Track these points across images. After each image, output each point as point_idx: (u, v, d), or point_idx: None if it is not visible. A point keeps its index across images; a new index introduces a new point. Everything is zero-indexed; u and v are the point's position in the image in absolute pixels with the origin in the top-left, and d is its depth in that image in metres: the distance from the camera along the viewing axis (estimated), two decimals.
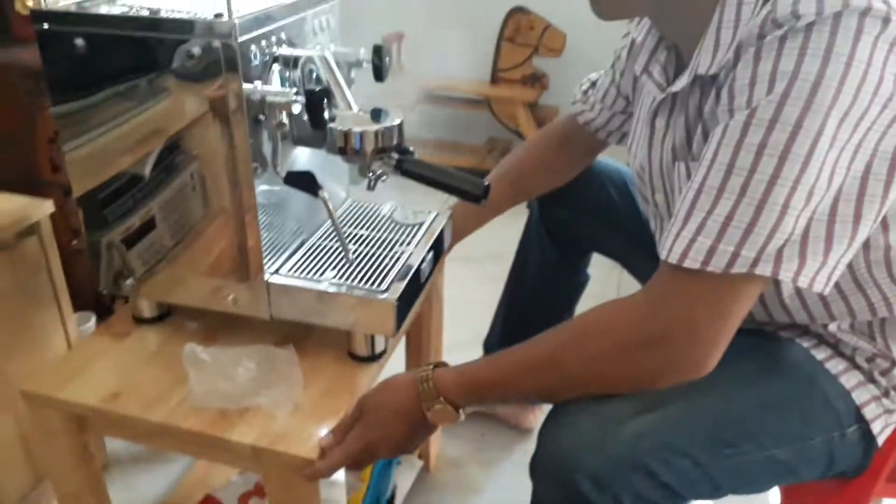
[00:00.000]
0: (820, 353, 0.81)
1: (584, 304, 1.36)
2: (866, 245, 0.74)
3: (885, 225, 0.73)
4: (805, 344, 0.82)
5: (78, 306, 1.38)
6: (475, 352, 1.46)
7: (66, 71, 0.84)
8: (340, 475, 0.97)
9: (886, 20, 0.60)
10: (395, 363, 1.24)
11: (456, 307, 1.35)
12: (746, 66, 0.65)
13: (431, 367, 0.81)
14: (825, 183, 0.63)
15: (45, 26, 0.82)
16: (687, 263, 0.65)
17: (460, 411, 0.79)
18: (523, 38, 2.46)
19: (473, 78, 2.64)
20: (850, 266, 0.75)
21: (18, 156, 1.38)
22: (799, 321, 0.82)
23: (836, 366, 0.80)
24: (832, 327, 0.81)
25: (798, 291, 0.79)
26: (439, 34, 2.72)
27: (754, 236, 0.63)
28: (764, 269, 0.64)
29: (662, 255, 0.68)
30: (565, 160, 1.20)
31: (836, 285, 0.76)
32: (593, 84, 1.16)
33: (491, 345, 1.45)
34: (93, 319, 1.45)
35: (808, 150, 0.61)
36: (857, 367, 0.80)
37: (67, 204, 1.41)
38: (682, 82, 0.79)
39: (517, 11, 2.45)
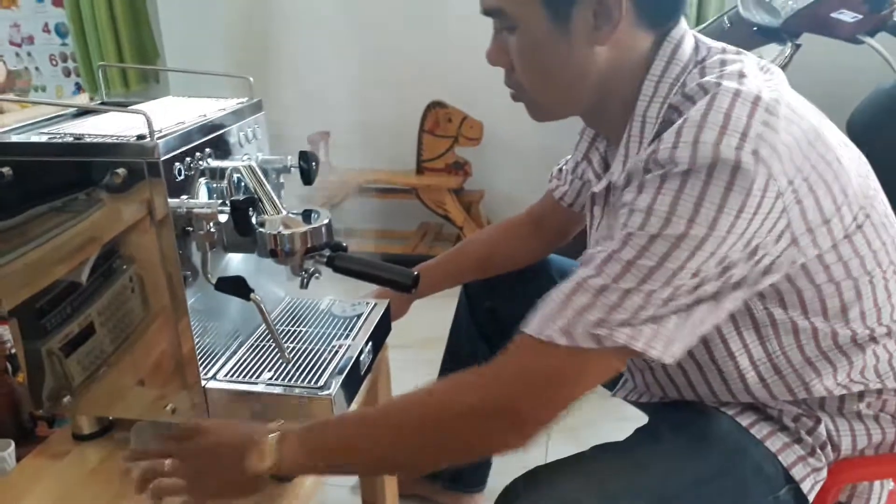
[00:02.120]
0: (745, 419, 0.84)
1: None
2: (778, 330, 0.79)
3: (802, 309, 0.77)
4: (731, 411, 0.85)
5: None
6: None
7: None
8: None
9: (754, 176, 0.65)
10: None
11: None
12: (630, 194, 0.71)
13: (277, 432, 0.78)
14: (682, 299, 0.68)
15: None
16: (541, 336, 0.70)
17: (275, 471, 0.76)
18: (443, 129, 2.58)
19: (400, 169, 2.73)
20: (766, 353, 0.80)
21: None
22: (724, 400, 0.86)
23: (761, 430, 0.83)
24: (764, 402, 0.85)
25: (723, 378, 0.84)
26: (363, 130, 2.83)
27: (604, 326, 0.68)
28: (619, 338, 0.68)
29: (521, 327, 0.72)
30: (540, 237, 1.23)
31: (756, 372, 0.82)
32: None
33: None
34: (12, 446, 1.39)
35: (667, 279, 0.67)
36: (784, 427, 0.84)
37: None
38: (600, 185, 0.86)
39: (435, 106, 2.58)
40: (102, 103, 1.07)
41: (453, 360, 1.36)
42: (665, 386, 0.91)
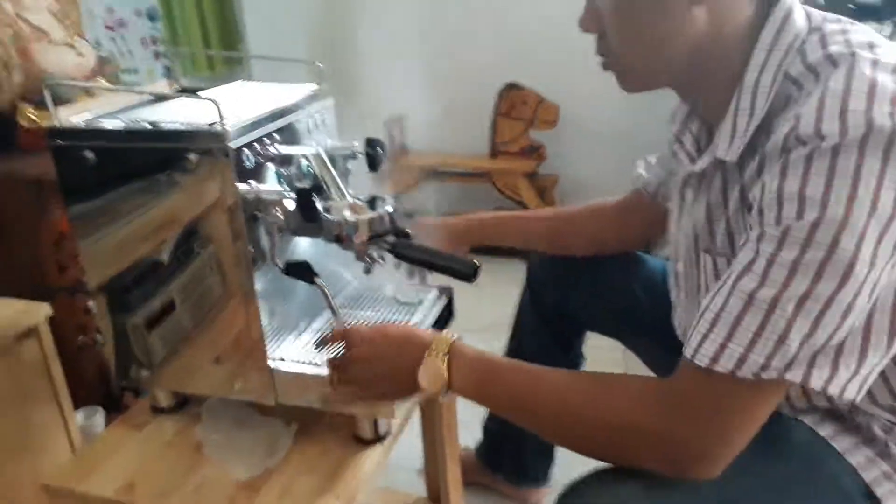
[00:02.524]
0: (824, 430, 0.79)
1: None
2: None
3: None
4: (808, 420, 0.80)
5: (86, 401, 1.42)
6: (478, 429, 1.47)
7: (79, 179, 0.90)
8: None
9: None
10: (412, 444, 1.27)
11: None
12: (773, 180, 0.65)
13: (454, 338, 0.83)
14: (864, 300, 0.63)
15: (59, 142, 0.88)
16: (717, 368, 0.66)
17: (446, 389, 0.80)
18: (518, 112, 2.55)
19: (473, 153, 2.73)
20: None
21: (24, 260, 1.44)
22: (814, 402, 0.81)
23: (842, 442, 0.78)
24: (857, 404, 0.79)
25: None
26: (438, 114, 2.83)
27: (785, 347, 0.64)
28: (794, 376, 0.64)
29: (688, 353, 0.69)
30: (620, 229, 1.18)
31: None
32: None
33: (491, 426, 1.45)
34: (99, 413, 1.48)
35: (844, 272, 0.62)
36: (871, 439, 0.78)
37: (74, 303, 1.47)
38: (702, 163, 0.81)
39: (511, 88, 2.55)
40: (182, 89, 1.11)
41: (516, 356, 1.35)
42: None
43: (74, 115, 0.93)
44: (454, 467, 1.29)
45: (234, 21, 3.08)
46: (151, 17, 3.24)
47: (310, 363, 0.94)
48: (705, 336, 0.67)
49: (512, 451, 1.42)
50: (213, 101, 0.83)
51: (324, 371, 0.92)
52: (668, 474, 0.71)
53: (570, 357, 1.34)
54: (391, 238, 0.95)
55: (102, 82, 1.58)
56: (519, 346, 1.34)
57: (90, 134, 0.87)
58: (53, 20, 1.55)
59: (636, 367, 1.21)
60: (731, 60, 0.75)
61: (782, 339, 0.64)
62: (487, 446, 1.47)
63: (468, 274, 0.92)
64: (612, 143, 2.55)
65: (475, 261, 0.92)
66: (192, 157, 0.83)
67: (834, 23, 0.73)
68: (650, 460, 0.72)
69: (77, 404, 1.44)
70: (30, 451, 1.16)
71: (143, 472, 0.92)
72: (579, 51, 0.83)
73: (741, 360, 0.65)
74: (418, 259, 0.94)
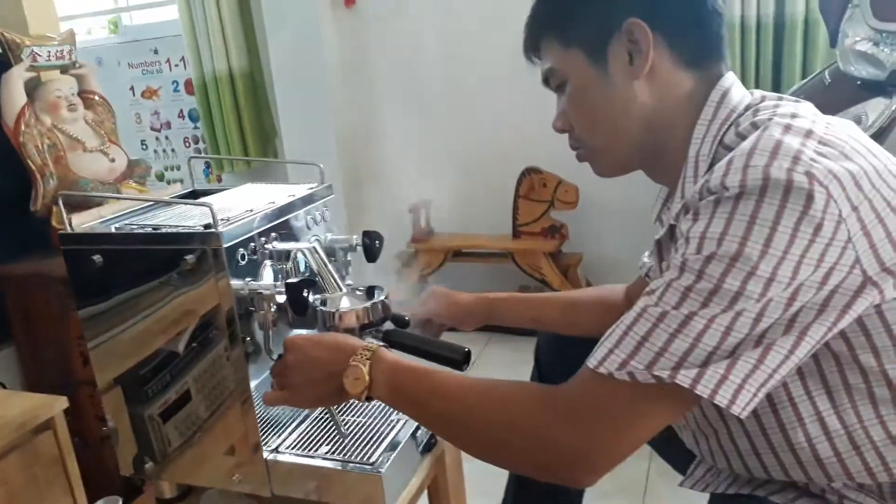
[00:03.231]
0: None
1: None
2: (853, 398, 0.73)
3: (865, 377, 0.72)
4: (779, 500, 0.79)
5: (106, 491, 1.44)
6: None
7: (88, 280, 0.96)
8: None
9: (809, 195, 0.63)
10: None
11: (486, 469, 1.35)
12: (685, 224, 0.71)
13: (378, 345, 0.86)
14: (745, 328, 0.65)
15: (70, 246, 0.95)
16: (600, 370, 0.68)
17: (367, 392, 0.82)
18: (538, 194, 2.60)
19: (497, 234, 2.77)
20: (843, 425, 0.74)
21: (50, 354, 1.51)
22: (796, 479, 0.79)
23: None
24: (836, 484, 0.78)
25: (791, 447, 0.77)
26: (462, 198, 2.90)
27: (664, 358, 0.65)
28: (681, 379, 0.65)
29: (587, 360, 0.71)
30: (625, 307, 1.20)
31: (831, 444, 0.75)
32: None
33: None
34: (119, 502, 1.50)
35: (728, 303, 0.64)
36: None
37: (97, 394, 1.52)
38: (662, 230, 0.87)
39: (530, 172, 2.61)
40: (192, 192, 1.18)
41: None
42: (729, 454, 0.85)
43: (88, 221, 1.01)
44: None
45: (270, 118, 3.25)
46: (193, 118, 3.45)
47: (303, 454, 0.96)
48: (601, 344, 0.70)
49: None
50: (208, 205, 0.88)
51: (320, 462, 0.94)
52: (546, 478, 0.73)
53: None
54: (384, 327, 0.98)
55: (132, 184, 1.68)
56: None
57: (96, 238, 0.94)
58: (88, 129, 1.68)
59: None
60: (678, 133, 0.81)
61: (663, 350, 0.66)
62: None
63: (459, 361, 0.93)
64: (634, 220, 2.55)
65: (467, 348, 0.94)
66: (189, 257, 0.89)
67: (772, 100, 0.78)
68: (529, 462, 0.73)
69: (98, 495, 1.47)
70: None
71: None
72: None
73: (622, 365, 0.67)
74: (410, 346, 0.96)
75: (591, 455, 0.69)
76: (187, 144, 3.50)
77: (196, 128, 3.46)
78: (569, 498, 1.36)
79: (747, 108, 0.77)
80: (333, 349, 0.86)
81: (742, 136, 0.73)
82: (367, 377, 0.81)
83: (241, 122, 3.20)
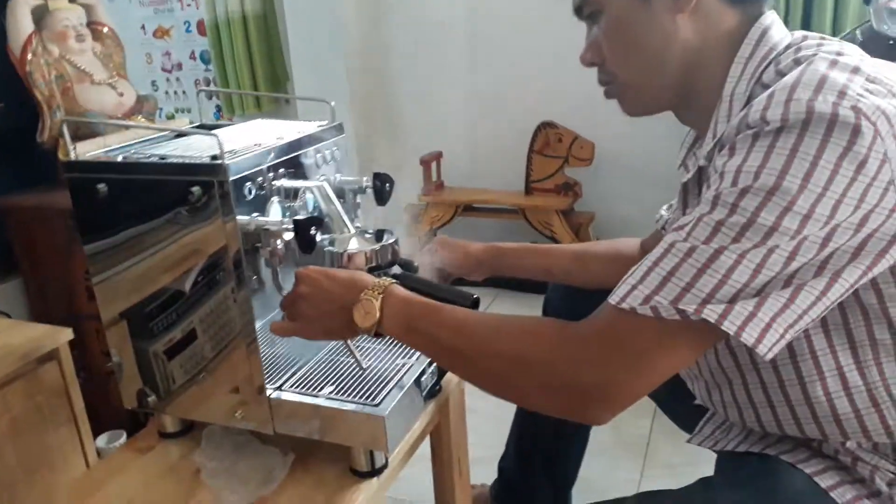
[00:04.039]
0: (825, 480, 0.76)
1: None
2: (878, 354, 0.71)
3: (893, 332, 0.70)
4: (809, 470, 0.77)
5: (110, 425, 1.45)
6: (493, 468, 1.45)
7: (93, 211, 0.94)
8: None
9: (856, 130, 0.61)
10: (424, 480, 1.26)
11: (492, 421, 1.35)
12: (720, 160, 0.68)
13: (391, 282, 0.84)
14: (777, 266, 0.62)
15: (75, 175, 0.93)
16: (622, 305, 0.66)
17: (377, 328, 0.81)
18: (553, 149, 2.56)
19: (509, 189, 2.73)
20: (864, 381, 0.73)
21: (56, 288, 1.50)
22: (810, 435, 0.78)
23: (843, 494, 0.74)
24: (850, 444, 0.76)
25: (808, 402, 0.76)
26: (474, 151, 2.86)
27: (690, 294, 0.63)
28: (709, 315, 0.62)
29: (609, 297, 0.68)
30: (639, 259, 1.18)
31: (850, 400, 0.73)
32: None
33: (506, 466, 1.43)
34: (123, 437, 1.51)
35: (761, 238, 0.62)
36: (873, 493, 0.75)
37: (103, 329, 1.52)
38: (691, 173, 0.84)
39: (545, 126, 2.56)
40: (200, 125, 1.15)
41: None
42: (743, 407, 0.83)
43: (93, 150, 0.98)
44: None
45: (282, 63, 3.19)
46: (204, 60, 3.39)
47: (309, 393, 0.95)
48: (624, 281, 0.67)
49: (527, 491, 1.39)
50: (215, 135, 0.86)
51: (323, 402, 0.93)
52: (559, 414, 0.71)
53: None
54: (393, 270, 0.96)
55: (140, 120, 1.65)
56: None
57: (101, 167, 0.92)
58: (97, 62, 1.64)
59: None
60: (715, 73, 0.77)
61: (689, 286, 0.63)
62: (502, 485, 1.44)
63: (467, 307, 0.91)
64: (650, 180, 2.51)
65: (476, 294, 0.92)
66: (196, 189, 0.86)
67: (815, 39, 0.75)
68: (543, 397, 0.71)
69: (103, 428, 1.49)
70: (46, 471, 1.20)
71: (143, 495, 0.94)
72: None
73: (645, 300, 0.64)
74: (419, 291, 0.94)
75: (609, 390, 0.67)
76: (198, 86, 3.45)
77: (207, 70, 3.40)
78: (570, 451, 1.36)
79: (788, 47, 0.74)
80: (346, 283, 0.84)
81: (782, 74, 0.69)
82: (377, 312, 0.80)
83: (252, 65, 3.14)
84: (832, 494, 0.74)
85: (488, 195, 2.75)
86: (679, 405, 1.03)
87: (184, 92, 3.50)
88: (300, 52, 3.08)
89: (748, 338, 0.62)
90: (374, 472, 0.95)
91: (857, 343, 0.72)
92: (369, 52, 3.01)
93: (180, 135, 1.08)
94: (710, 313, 0.62)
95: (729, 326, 0.62)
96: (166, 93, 3.52)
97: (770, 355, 0.63)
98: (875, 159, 0.61)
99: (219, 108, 3.45)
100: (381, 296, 0.81)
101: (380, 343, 1.08)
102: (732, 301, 0.62)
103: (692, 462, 0.80)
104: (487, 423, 1.37)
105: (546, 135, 2.56)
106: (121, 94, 1.64)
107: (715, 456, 0.92)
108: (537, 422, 1.35)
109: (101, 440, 1.54)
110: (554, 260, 1.19)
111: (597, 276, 1.13)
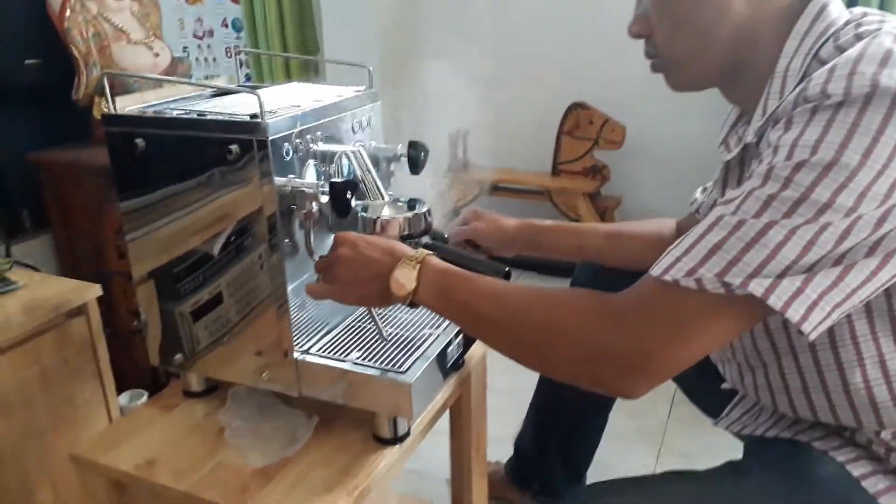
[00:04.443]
0: (857, 469, 0.75)
1: (617, 405, 1.33)
2: None
3: None
4: (840, 458, 0.76)
5: (133, 385, 1.47)
6: (510, 446, 1.45)
7: (129, 165, 0.94)
8: None
9: None
10: (443, 454, 1.26)
11: (509, 398, 1.35)
12: (775, 133, 0.66)
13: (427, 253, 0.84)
14: (829, 244, 0.60)
15: (113, 129, 0.93)
16: (665, 277, 0.65)
17: (412, 297, 0.81)
18: (583, 131, 2.53)
19: (535, 170, 2.71)
20: None
21: (87, 245, 1.51)
22: (845, 423, 0.77)
23: (875, 484, 0.74)
24: (885, 434, 0.75)
25: (845, 388, 0.75)
26: (502, 130, 2.83)
27: (737, 267, 0.62)
28: (754, 288, 0.61)
29: (651, 269, 0.67)
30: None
31: (889, 389, 0.72)
32: None
33: (522, 444, 1.43)
34: (145, 397, 1.53)
35: (814, 214, 0.60)
36: None
37: (131, 289, 1.53)
38: (735, 150, 0.82)
39: (577, 107, 2.53)
40: (239, 86, 1.15)
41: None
42: (777, 392, 0.82)
43: (132, 105, 0.98)
44: (480, 480, 1.27)
45: (313, 34, 3.18)
46: (236, 28, 3.39)
47: (336, 358, 0.95)
48: (668, 253, 0.66)
49: (541, 471, 1.40)
50: (255, 94, 0.85)
51: (350, 367, 0.93)
52: (593, 386, 0.70)
53: None
54: (424, 240, 0.96)
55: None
56: None
57: (140, 121, 0.92)
58: (134, 21, 1.64)
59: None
60: (768, 49, 0.75)
61: (736, 259, 0.62)
62: (517, 464, 1.44)
63: (500, 278, 0.91)
64: (679, 168, 2.48)
65: (507, 267, 0.92)
66: (234, 147, 0.86)
67: (876, 16, 0.72)
68: (578, 368, 0.70)
69: (124, 387, 1.50)
70: (69, 425, 1.21)
71: (166, 451, 0.95)
72: (649, 72, 0.84)
73: (689, 272, 0.63)
74: (450, 262, 0.94)
75: (646, 362, 0.66)
76: (228, 55, 3.45)
77: (238, 38, 3.40)
78: (588, 434, 1.36)
79: (847, 23, 0.71)
80: (385, 251, 0.84)
81: (842, 49, 0.67)
82: (414, 281, 0.80)
83: (284, 34, 3.14)
84: (863, 484, 0.73)
85: (514, 175, 2.73)
86: (705, 389, 1.02)
87: (214, 59, 3.50)
88: (332, 22, 3.06)
89: (794, 314, 0.61)
90: (397, 439, 0.95)
91: None
92: (401, 26, 2.99)
93: (219, 94, 1.08)
94: (757, 287, 0.61)
95: (775, 301, 0.61)
96: (196, 59, 3.52)
97: (814, 335, 0.62)
98: None
99: (248, 77, 3.46)
100: (419, 266, 0.81)
101: (407, 312, 1.08)
102: (780, 277, 0.61)
103: (708, 451, 0.79)
104: (505, 402, 1.37)
105: (577, 116, 2.53)
106: (156, 55, 1.64)
107: (732, 447, 0.91)
108: (556, 402, 1.34)
109: (123, 398, 1.56)
110: (587, 238, 1.17)
111: (631, 255, 1.11)
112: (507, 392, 1.39)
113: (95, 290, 1.23)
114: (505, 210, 3.01)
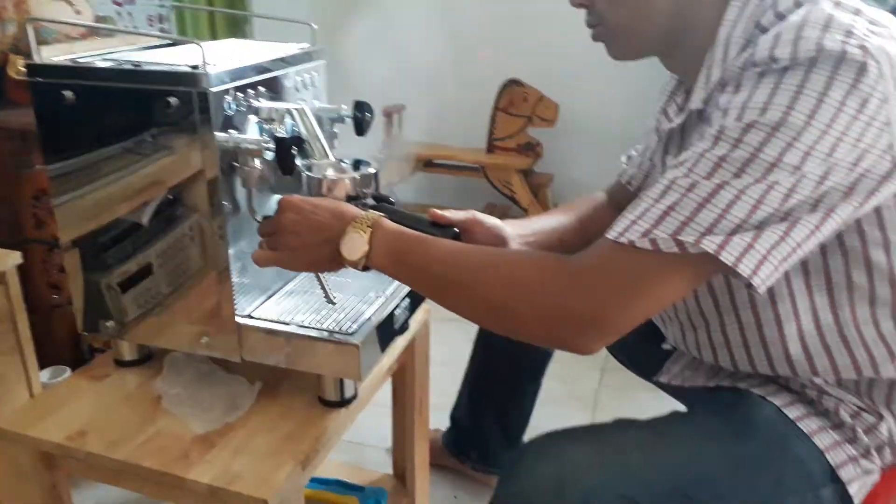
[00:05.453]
0: (793, 412, 0.79)
1: (550, 373, 1.35)
2: (853, 298, 0.74)
3: (870, 275, 0.73)
4: (777, 402, 0.80)
5: (54, 361, 1.39)
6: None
7: (57, 123, 0.89)
8: None
9: (862, 68, 0.62)
10: (383, 425, 1.25)
11: (442, 368, 1.36)
12: (725, 96, 0.68)
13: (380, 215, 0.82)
14: (775, 202, 0.63)
15: (39, 80, 0.87)
16: (621, 240, 0.66)
17: (365, 261, 0.79)
18: (517, 108, 2.55)
19: (470, 146, 2.72)
20: (836, 320, 0.75)
21: (4, 213, 1.42)
22: (781, 373, 0.81)
23: (810, 425, 0.78)
24: (817, 380, 0.80)
25: (782, 341, 0.78)
26: (437, 106, 2.82)
27: (689, 227, 0.64)
28: (708, 245, 0.63)
29: (606, 232, 0.69)
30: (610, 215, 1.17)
31: (822, 340, 0.76)
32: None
33: (458, 415, 1.44)
34: (67, 373, 1.46)
35: (762, 174, 0.63)
36: (839, 424, 0.79)
37: (49, 261, 1.45)
38: (680, 118, 0.83)
39: (512, 84, 2.55)
40: (173, 42, 1.10)
41: (488, 339, 1.34)
42: (718, 348, 0.85)
43: (58, 56, 0.92)
44: (422, 447, 1.27)
45: (241, 4, 3.08)
46: None
47: (276, 321, 0.93)
48: (623, 217, 0.68)
49: (478, 441, 1.41)
50: (198, 44, 0.82)
51: (289, 329, 0.91)
52: (551, 344, 0.73)
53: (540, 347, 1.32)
54: (371, 201, 0.94)
55: (96, 40, 1.56)
56: (489, 334, 1.33)
57: (70, 72, 0.86)
58: None
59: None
60: (708, 17, 0.76)
61: (689, 219, 0.64)
62: (454, 434, 1.46)
63: (449, 239, 0.90)
64: (610, 145, 2.53)
65: (457, 229, 0.91)
66: (173, 100, 0.82)
67: None
68: (536, 327, 0.71)
69: (45, 363, 1.42)
70: None
71: (98, 421, 0.90)
72: (583, 51, 0.84)
73: (644, 233, 0.65)
74: (399, 223, 0.92)
75: (603, 321, 0.67)
76: (151, 23, 3.30)
77: (162, 6, 3.25)
78: (523, 401, 1.37)
79: None
80: (333, 214, 0.82)
81: (782, 17, 0.69)
82: (366, 245, 0.79)
83: (211, 2, 3.02)
84: (799, 425, 0.78)
85: (450, 152, 2.73)
86: (642, 350, 1.05)
87: (135, 27, 3.33)
88: None
89: (745, 269, 0.63)
90: (343, 401, 0.94)
91: (834, 285, 0.74)
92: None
93: (152, 48, 1.02)
94: (709, 244, 0.63)
95: (727, 257, 0.63)
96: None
97: (763, 288, 0.64)
98: (876, 99, 0.62)
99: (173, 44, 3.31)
100: (370, 229, 0.79)
101: (351, 276, 1.06)
102: (731, 234, 0.63)
103: (642, 414, 0.83)
104: (443, 372, 1.37)
105: (512, 93, 2.55)
106: (78, 12, 1.54)
107: (666, 409, 0.94)
108: (490, 372, 1.36)
109: (44, 375, 1.47)
110: (568, 235, 1.09)
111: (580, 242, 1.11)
112: (444, 363, 1.40)
113: (15, 257, 1.15)
114: (439, 187, 3.01)
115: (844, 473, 0.76)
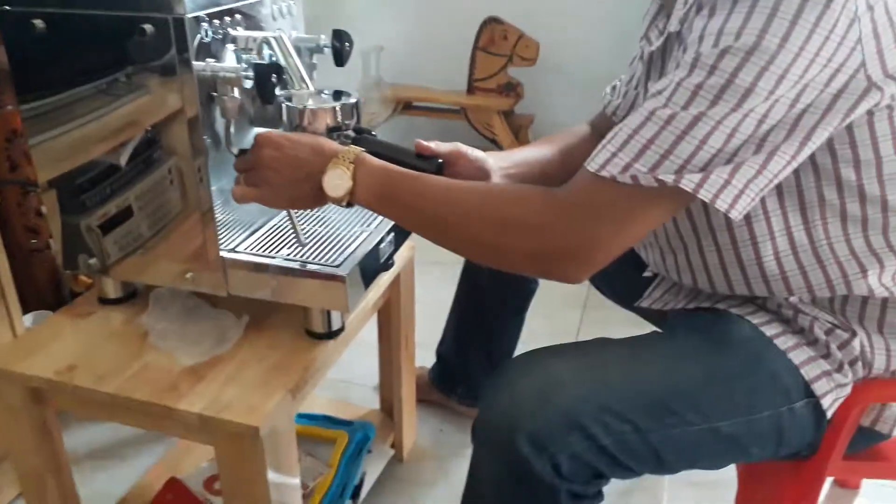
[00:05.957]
0: (770, 330, 0.81)
1: (533, 310, 1.37)
2: (825, 215, 0.75)
3: (841, 193, 0.74)
4: (755, 321, 0.82)
5: (36, 305, 1.38)
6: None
7: (28, 56, 0.86)
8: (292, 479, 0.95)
9: None
10: (370, 365, 1.26)
11: (426, 309, 1.37)
12: (701, 20, 0.68)
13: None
14: (750, 128, 0.65)
15: (7, 7, 0.84)
16: (602, 173, 0.68)
17: (349, 197, 0.79)
18: (497, 47, 2.51)
19: (450, 88, 2.68)
20: (810, 239, 0.77)
21: None
22: (758, 293, 0.83)
23: (786, 342, 0.80)
24: (793, 299, 0.82)
25: (758, 261, 0.80)
26: (417, 46, 2.77)
27: (668, 161, 0.65)
28: (685, 184, 0.65)
29: (586, 164, 0.70)
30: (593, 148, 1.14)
31: (796, 258, 0.78)
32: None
33: (444, 351, 1.46)
34: (49, 317, 1.45)
35: (738, 100, 0.64)
36: (813, 341, 0.81)
37: (26, 204, 1.43)
38: (660, 41, 0.83)
39: (491, 21, 2.50)
40: None
41: (473, 276, 1.34)
42: (696, 270, 0.87)
43: None
44: (408, 381, 1.29)
45: None
46: None
47: (261, 255, 0.92)
48: (603, 147, 0.69)
49: (463, 375, 1.44)
50: None
51: (275, 262, 0.91)
52: (539, 274, 0.75)
53: (524, 282, 1.33)
54: (352, 133, 0.92)
55: None
56: (474, 270, 1.34)
57: None
58: None
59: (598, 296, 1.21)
60: None
61: (668, 153, 0.66)
62: (440, 370, 1.48)
63: (432, 172, 0.90)
64: (592, 85, 2.50)
65: (440, 160, 0.91)
66: (147, 27, 0.79)
67: None
68: (524, 259, 0.73)
69: (27, 308, 1.41)
70: None
71: (85, 356, 0.90)
72: None
73: (625, 168, 0.67)
74: (380, 154, 0.91)
75: (589, 252, 0.70)
76: None
77: None
78: (506, 337, 1.39)
79: None
80: (314, 150, 0.80)
81: None
82: (349, 181, 0.78)
83: None
84: (776, 342, 0.80)
85: (430, 93, 2.69)
86: (624, 278, 1.06)
87: None
88: None
89: (722, 204, 0.66)
90: (331, 334, 0.94)
91: (807, 204, 0.76)
92: None
93: None
94: (688, 182, 0.65)
95: (705, 195, 0.65)
96: None
97: (738, 217, 0.67)
98: (846, 18, 0.62)
99: None
100: (353, 164, 0.78)
101: (336, 210, 1.06)
102: (707, 166, 0.65)
103: None
104: (427, 310, 1.39)
105: (492, 30, 2.50)
106: None
107: None
108: (475, 308, 1.37)
109: (27, 320, 1.46)
110: (551, 168, 1.09)
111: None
112: (429, 303, 1.41)
113: None
114: (420, 128, 2.98)
115: (818, 387, 0.79)
